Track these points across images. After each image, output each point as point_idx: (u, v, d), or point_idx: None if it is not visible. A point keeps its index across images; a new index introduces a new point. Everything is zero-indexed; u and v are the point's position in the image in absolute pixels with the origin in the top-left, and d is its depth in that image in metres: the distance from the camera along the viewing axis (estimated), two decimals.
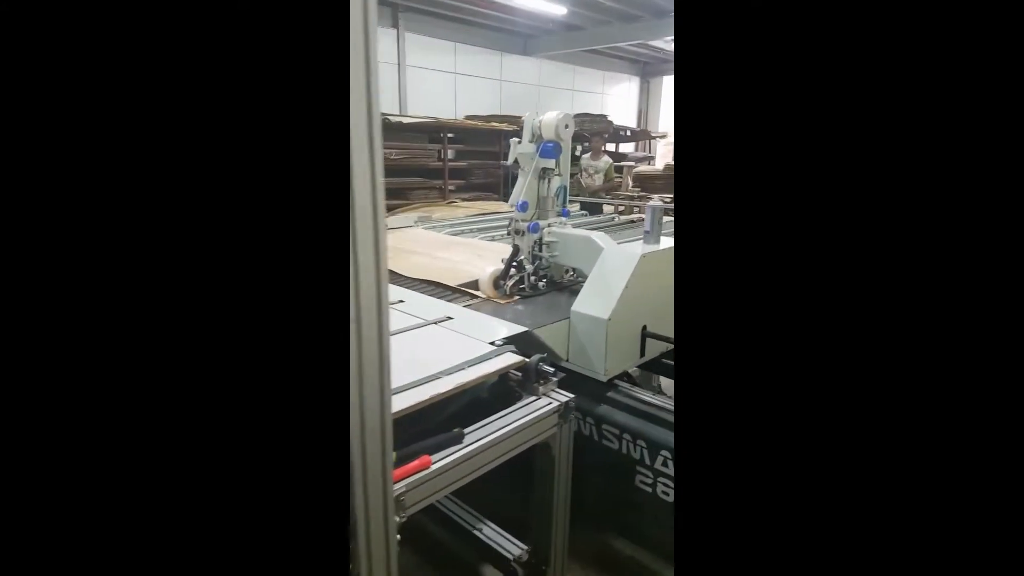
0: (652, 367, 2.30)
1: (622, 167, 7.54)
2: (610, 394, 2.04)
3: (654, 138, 11.32)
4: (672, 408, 1.89)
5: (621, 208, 5.24)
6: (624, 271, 2.02)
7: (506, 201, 6.51)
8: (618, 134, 10.05)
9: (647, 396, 1.99)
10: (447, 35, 8.79)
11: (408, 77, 8.03)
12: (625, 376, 2.22)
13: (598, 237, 2.30)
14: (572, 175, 6.06)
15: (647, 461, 1.85)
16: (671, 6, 7.86)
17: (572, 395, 1.65)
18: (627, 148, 11.16)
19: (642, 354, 2.17)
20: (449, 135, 7.30)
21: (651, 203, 2.09)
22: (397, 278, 2.41)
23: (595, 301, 2.02)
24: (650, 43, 10.19)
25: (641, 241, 2.18)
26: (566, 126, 2.26)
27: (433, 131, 7.22)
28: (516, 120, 8.62)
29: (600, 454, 1.97)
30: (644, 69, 12.47)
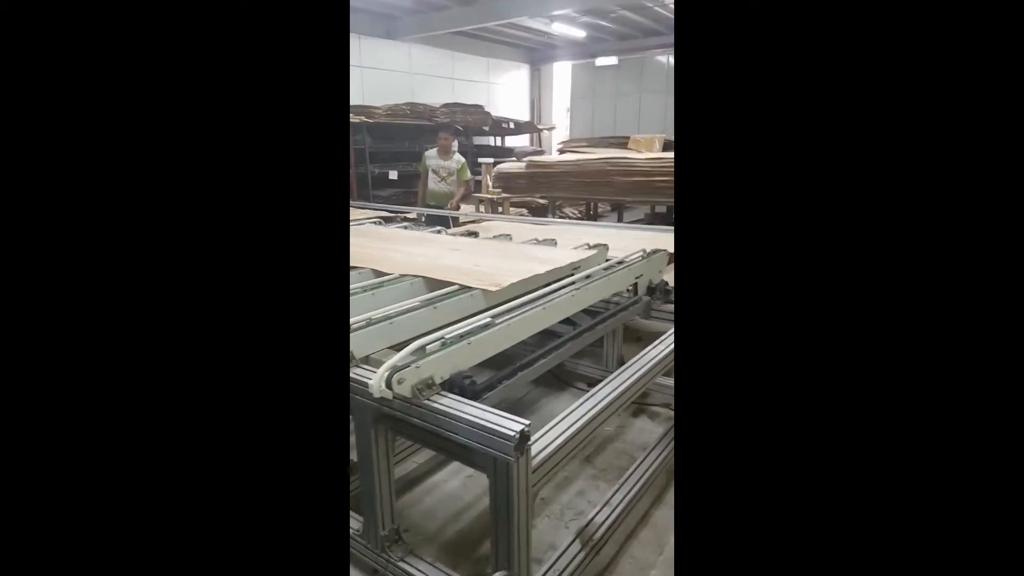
0: None
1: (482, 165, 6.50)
2: None
3: (542, 131, 10.40)
4: None
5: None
6: None
7: (370, 202, 5.29)
8: (500, 126, 9.06)
9: None
10: None
11: None
12: None
13: None
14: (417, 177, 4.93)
15: None
16: None
17: None
18: (517, 143, 10.20)
19: None
20: None
21: None
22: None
23: None
24: (533, 26, 9.26)
25: None
26: None
27: None
28: (370, 111, 7.51)
29: None
30: (533, 56, 11.51)
